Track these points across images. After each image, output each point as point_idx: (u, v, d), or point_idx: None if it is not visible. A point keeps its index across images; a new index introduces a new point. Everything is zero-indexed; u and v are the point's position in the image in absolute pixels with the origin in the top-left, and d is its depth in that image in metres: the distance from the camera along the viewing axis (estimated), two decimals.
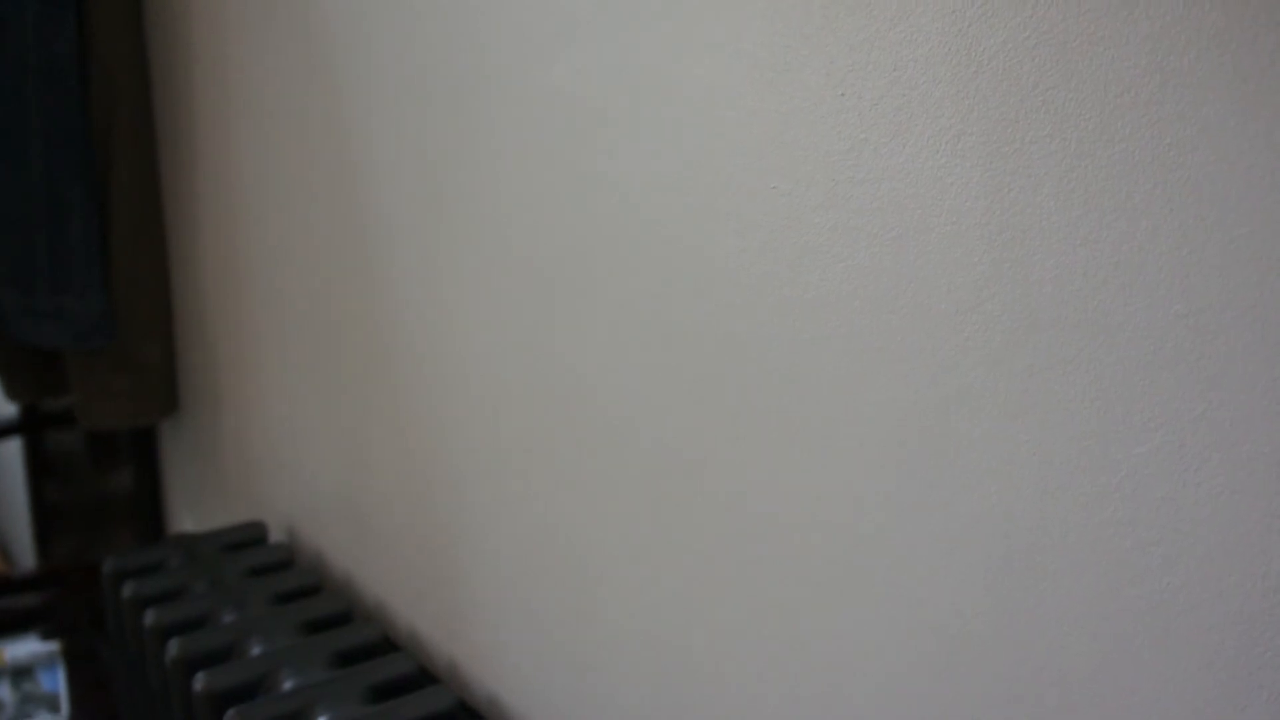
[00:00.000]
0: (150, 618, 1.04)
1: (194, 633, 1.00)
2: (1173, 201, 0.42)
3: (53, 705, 1.26)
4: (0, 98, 1.43)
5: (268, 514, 1.39)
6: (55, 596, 1.52)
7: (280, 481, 1.34)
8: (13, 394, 1.65)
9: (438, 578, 1.01)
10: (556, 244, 0.76)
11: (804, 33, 0.56)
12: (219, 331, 1.44)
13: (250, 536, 1.27)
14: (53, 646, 1.35)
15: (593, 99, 0.71)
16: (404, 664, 0.94)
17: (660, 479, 0.71)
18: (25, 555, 2.46)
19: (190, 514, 1.70)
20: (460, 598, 0.97)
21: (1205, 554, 0.43)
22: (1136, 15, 0.42)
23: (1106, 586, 0.46)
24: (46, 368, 1.64)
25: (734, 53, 0.60)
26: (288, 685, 0.93)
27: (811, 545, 0.60)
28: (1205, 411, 0.42)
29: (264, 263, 1.26)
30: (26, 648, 1.35)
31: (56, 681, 1.30)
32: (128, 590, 1.12)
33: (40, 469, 2.10)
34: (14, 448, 2.39)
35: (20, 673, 1.32)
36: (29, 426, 1.93)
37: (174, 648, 0.98)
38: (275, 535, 1.38)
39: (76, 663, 1.32)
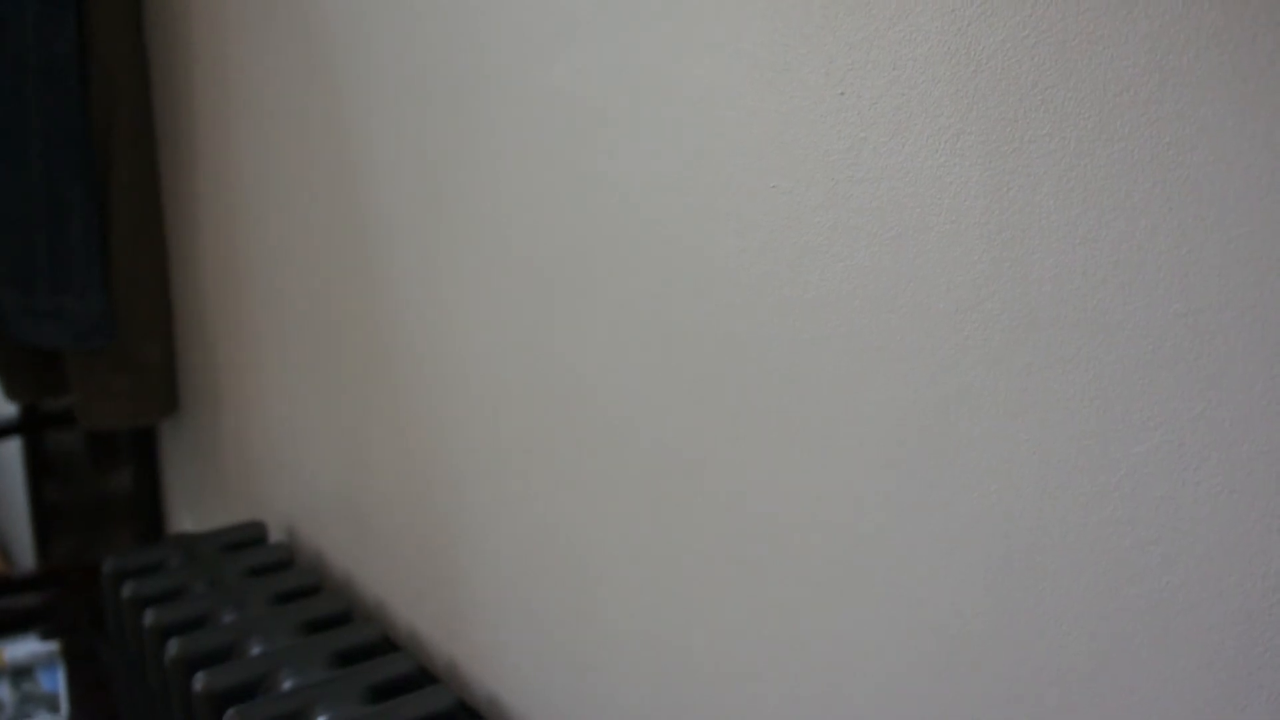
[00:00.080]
0: (150, 618, 1.04)
1: (194, 633, 1.00)
2: (1172, 200, 0.42)
3: (52, 705, 1.26)
4: (0, 98, 1.43)
5: (268, 514, 1.39)
6: (55, 596, 1.52)
7: (280, 481, 1.34)
8: (13, 394, 1.65)
9: (438, 578, 1.01)
10: (556, 244, 0.76)
11: (803, 32, 0.56)
12: (219, 331, 1.44)
13: (250, 536, 1.27)
14: (52, 646, 1.35)
15: (593, 99, 0.71)
16: (404, 664, 0.94)
17: (660, 479, 0.71)
18: (25, 555, 2.46)
19: (190, 514, 1.70)
20: (460, 598, 0.97)
21: (1204, 553, 0.43)
22: (1135, 14, 0.42)
23: (1106, 586, 0.46)
24: (46, 368, 1.64)
25: (734, 53, 0.60)
26: (287, 685, 0.93)
27: (811, 545, 0.60)
28: (1204, 410, 0.42)
29: (264, 263, 1.26)
30: (26, 648, 1.35)
31: (56, 681, 1.30)
32: (127, 590, 1.12)
33: (40, 469, 2.10)
34: (14, 448, 2.39)
35: (20, 673, 1.32)
36: (29, 426, 1.93)
37: (174, 647, 0.98)
38: (275, 535, 1.38)
39: (76, 663, 1.32)
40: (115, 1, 1.44)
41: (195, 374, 1.55)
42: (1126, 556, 0.46)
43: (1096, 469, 0.46)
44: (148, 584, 1.13)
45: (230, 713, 0.85)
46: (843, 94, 0.54)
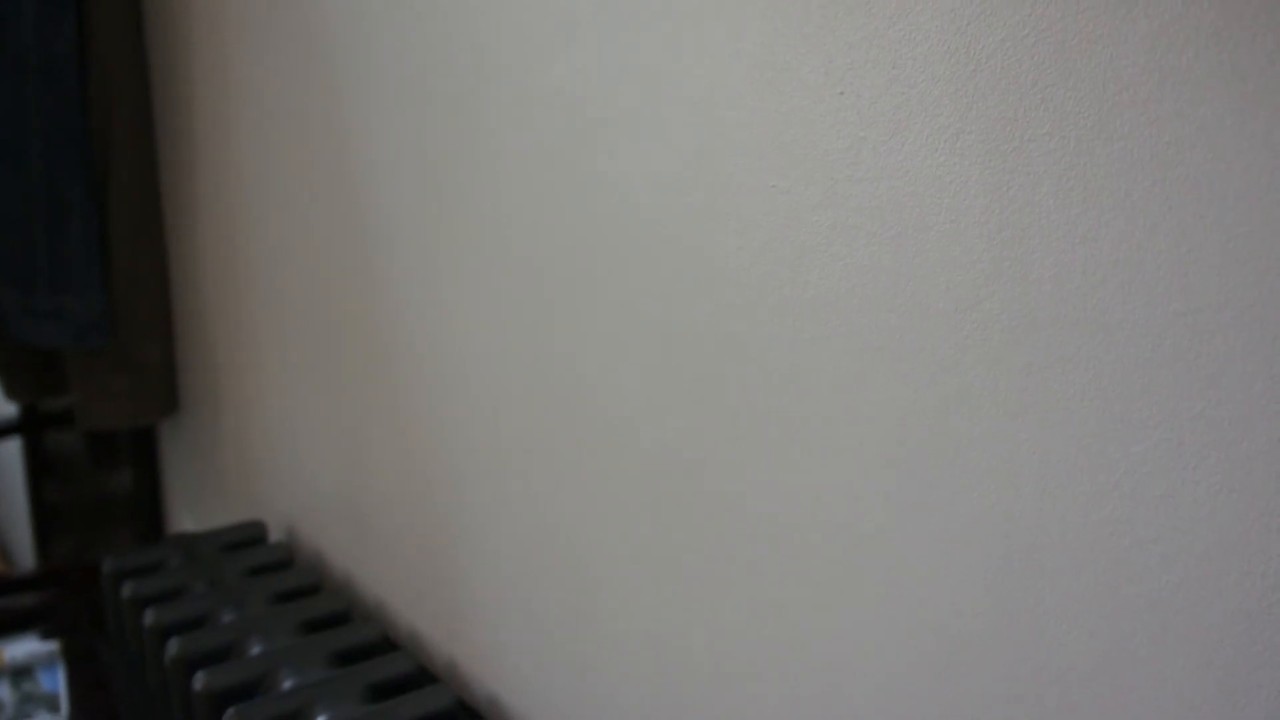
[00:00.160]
0: (150, 617, 1.04)
1: (193, 632, 1.00)
2: (1171, 200, 0.42)
3: (52, 705, 1.26)
4: (0, 98, 1.43)
5: (267, 514, 1.39)
6: (55, 596, 1.52)
7: (280, 481, 1.34)
8: (13, 394, 1.65)
9: (438, 577, 1.01)
10: (556, 244, 0.76)
11: (803, 32, 0.56)
12: (219, 331, 1.44)
13: (250, 536, 1.27)
14: (52, 646, 1.35)
15: (593, 99, 0.71)
16: (403, 663, 0.94)
17: (660, 479, 0.71)
18: (25, 555, 2.46)
19: (190, 514, 1.70)
20: (460, 597, 0.97)
21: (1204, 552, 0.43)
22: (1135, 13, 0.42)
23: (1105, 585, 0.46)
24: (46, 368, 1.64)
25: (733, 52, 0.60)
26: (287, 684, 0.93)
27: (811, 545, 0.60)
28: (1203, 410, 0.42)
29: (264, 263, 1.26)
30: (26, 648, 1.35)
31: (56, 681, 1.30)
32: (127, 590, 1.12)
33: (40, 469, 2.10)
34: (14, 448, 2.39)
35: (20, 673, 1.32)
36: (29, 426, 1.93)
37: (173, 647, 0.98)
38: (275, 535, 1.38)
39: (76, 663, 1.32)
40: (115, 1, 1.44)
41: (195, 374, 1.55)
42: (1126, 556, 0.46)
43: (1096, 468, 0.46)
44: (148, 584, 1.13)
45: (230, 712, 0.85)
46: (842, 93, 0.54)
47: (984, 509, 0.51)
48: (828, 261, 0.56)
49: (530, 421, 0.83)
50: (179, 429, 1.68)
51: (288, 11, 1.10)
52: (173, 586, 1.13)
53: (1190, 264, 0.42)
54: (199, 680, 0.91)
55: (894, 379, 0.54)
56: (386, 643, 1.02)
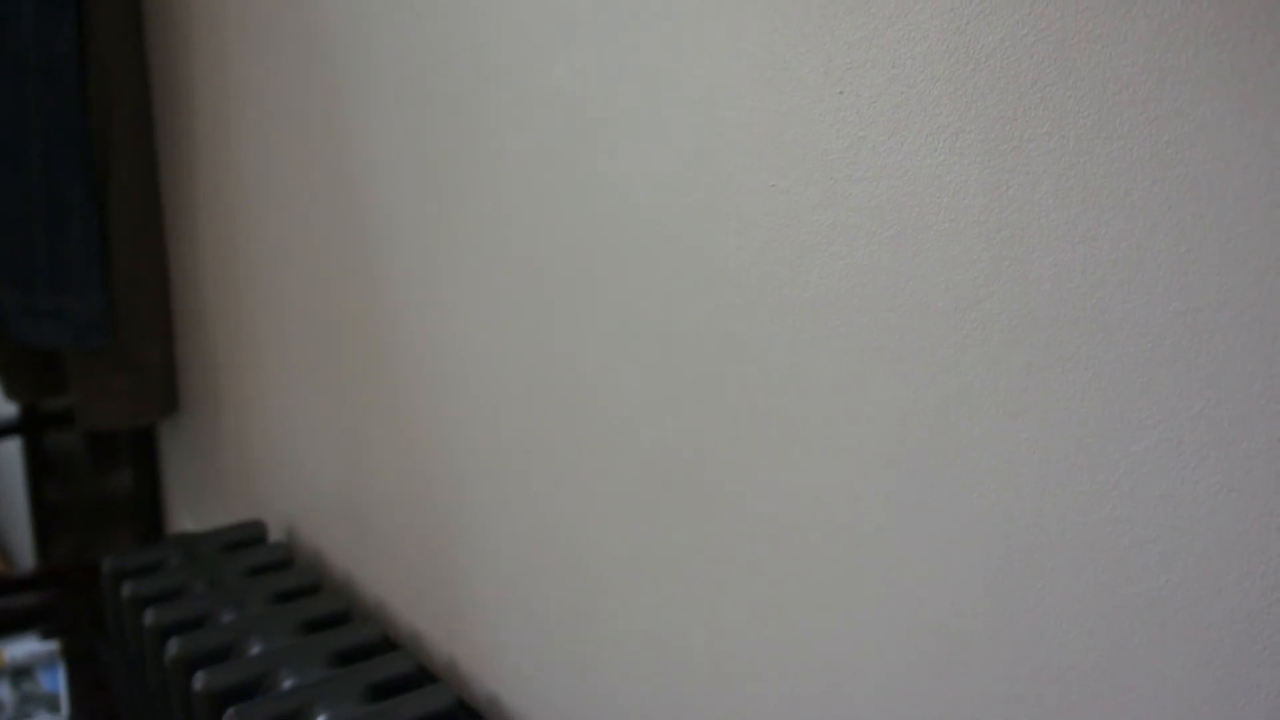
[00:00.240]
0: (150, 617, 1.04)
1: (193, 632, 1.00)
2: (1171, 199, 0.42)
3: (53, 705, 1.26)
4: (0, 98, 1.43)
5: (267, 514, 1.39)
6: (55, 596, 1.52)
7: (280, 481, 1.34)
8: (13, 394, 1.65)
9: (438, 577, 1.01)
10: (556, 244, 0.76)
11: (802, 31, 0.56)
12: (219, 331, 1.44)
13: (250, 536, 1.27)
14: (53, 646, 1.35)
15: (593, 99, 0.71)
16: (403, 663, 0.94)
17: (660, 479, 0.71)
18: (25, 555, 2.46)
19: (190, 514, 1.70)
20: (460, 597, 0.97)
21: (1203, 551, 0.43)
22: (1134, 13, 0.42)
23: (1105, 585, 0.46)
24: (46, 368, 1.64)
25: (733, 52, 0.60)
26: (287, 684, 0.93)
27: (811, 545, 0.60)
28: (1203, 409, 0.42)
29: (264, 263, 1.26)
30: (26, 648, 1.35)
31: (56, 681, 1.30)
32: (127, 590, 1.12)
33: (40, 469, 2.10)
34: (14, 448, 2.39)
35: (20, 672, 1.32)
36: (29, 426, 1.93)
37: (173, 647, 0.98)
38: (275, 535, 1.38)
39: (76, 663, 1.32)
40: (115, 1, 1.44)
41: (195, 374, 1.55)
42: (1125, 555, 0.46)
43: (1096, 468, 0.46)
44: (148, 584, 1.13)
45: (230, 712, 0.85)
46: (841, 93, 0.54)
47: (984, 509, 0.51)
48: (828, 261, 0.56)
49: (530, 421, 0.83)
50: (179, 429, 1.68)
51: (288, 11, 1.10)
52: (173, 586, 1.13)
53: (1190, 263, 0.42)
54: (199, 680, 0.91)
55: (894, 379, 0.54)
56: (386, 642, 1.02)
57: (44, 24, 1.40)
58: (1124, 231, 0.44)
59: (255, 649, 0.99)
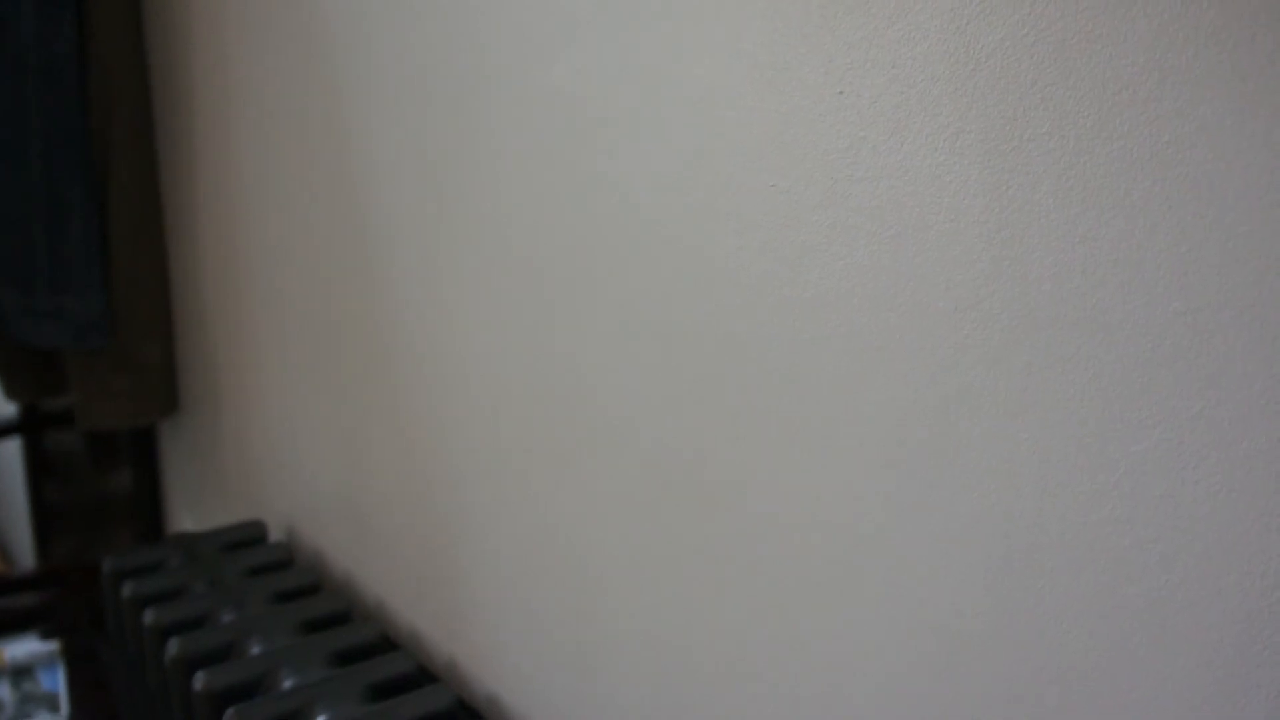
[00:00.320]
0: (150, 617, 1.04)
1: (193, 632, 1.00)
2: (1171, 199, 0.42)
3: (53, 705, 1.26)
4: (0, 98, 1.43)
5: (267, 513, 1.39)
6: (55, 596, 1.52)
7: (280, 481, 1.34)
8: (13, 394, 1.65)
9: (438, 577, 1.01)
10: (556, 244, 0.76)
11: (803, 31, 0.56)
12: (219, 331, 1.44)
13: (250, 536, 1.27)
14: (53, 646, 1.35)
15: (593, 99, 0.71)
16: (403, 663, 0.94)
17: (660, 479, 0.71)
18: (25, 555, 2.46)
19: (190, 514, 1.70)
20: (460, 597, 0.97)
21: (1203, 552, 0.43)
22: (1134, 13, 0.42)
23: (1105, 585, 0.46)
24: (46, 368, 1.64)
25: (733, 52, 0.60)
26: (287, 684, 0.93)
27: (811, 545, 0.60)
28: (1203, 409, 0.42)
29: (264, 263, 1.26)
30: (26, 648, 1.35)
31: (56, 681, 1.30)
32: (127, 590, 1.12)
33: (40, 469, 2.10)
34: (14, 448, 2.39)
35: (20, 672, 1.32)
36: (29, 426, 1.93)
37: (173, 647, 0.98)
38: (275, 535, 1.38)
39: (76, 663, 1.32)
40: (115, 1, 1.44)
41: (195, 374, 1.55)
42: (1126, 555, 0.46)
43: (1096, 468, 0.46)
44: (148, 584, 1.13)
45: (230, 712, 0.85)
46: (842, 93, 0.54)
47: (984, 509, 0.51)
48: (828, 261, 0.56)
49: (530, 421, 0.83)
50: (179, 429, 1.68)
51: (288, 11, 1.10)
52: (173, 586, 1.13)
53: (1190, 263, 0.42)
54: (199, 680, 0.91)
55: (894, 379, 0.54)
56: (386, 642, 1.02)
57: (44, 24, 1.40)
58: (1124, 231, 0.44)
59: (255, 649, 0.99)
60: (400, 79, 0.92)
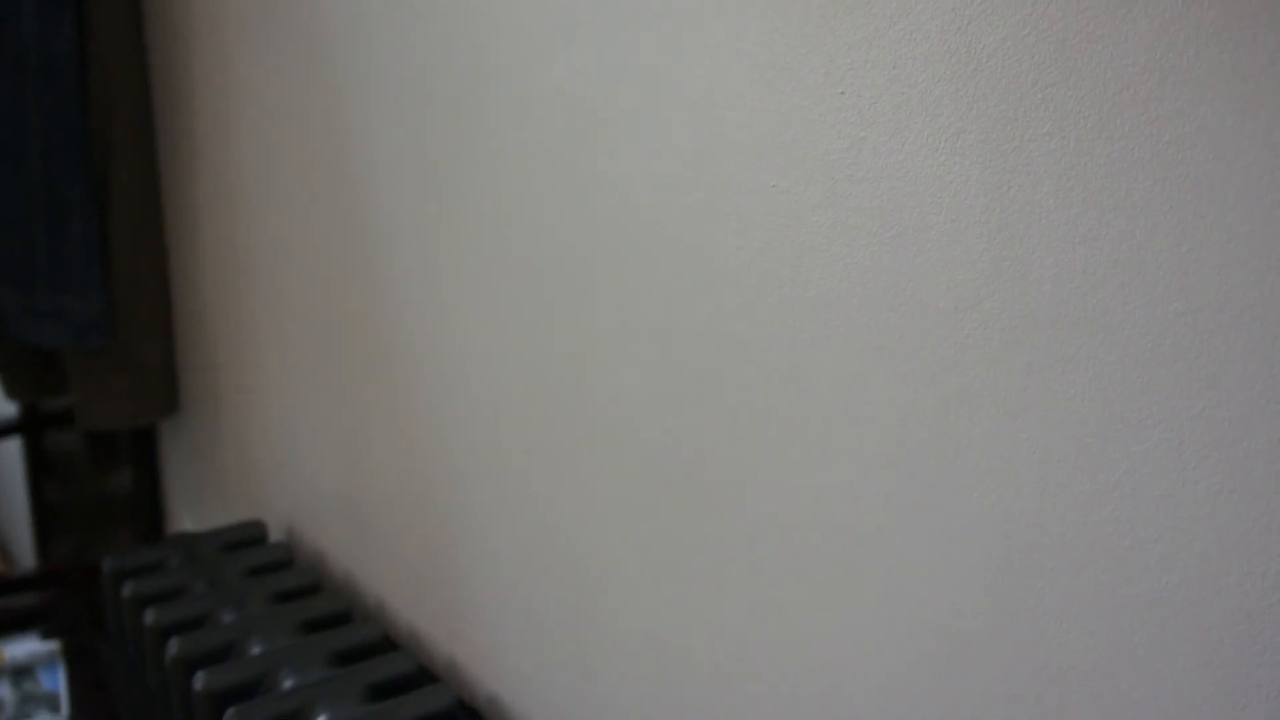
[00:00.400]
0: (150, 617, 1.04)
1: (193, 632, 1.00)
2: (1172, 199, 0.42)
3: (53, 705, 1.26)
4: (0, 98, 1.43)
5: (268, 514, 1.39)
6: (55, 596, 1.52)
7: (280, 481, 1.34)
8: (13, 394, 1.65)
9: (438, 577, 1.00)
10: (556, 244, 0.76)
11: (803, 31, 0.56)
12: (219, 331, 1.44)
13: (250, 536, 1.27)
14: (53, 646, 1.35)
15: (593, 99, 0.71)
16: (403, 663, 0.94)
17: (660, 479, 0.71)
18: (25, 555, 2.46)
19: (190, 514, 1.70)
20: (460, 597, 0.97)
21: (1203, 552, 0.43)
22: (1135, 13, 0.42)
23: (1105, 585, 0.46)
24: (46, 367, 1.64)
25: (733, 52, 0.60)
26: (287, 684, 0.93)
27: (811, 545, 0.60)
28: (1203, 410, 0.42)
29: (264, 263, 1.26)
30: (26, 647, 1.35)
31: (56, 681, 1.30)
32: (128, 590, 1.12)
33: (40, 469, 2.10)
34: (14, 448, 2.39)
35: (20, 672, 1.32)
36: (29, 426, 1.93)
37: (174, 647, 0.98)
38: (275, 535, 1.38)
39: (76, 662, 1.32)
40: (115, 1, 1.44)
41: (195, 374, 1.55)
42: (1126, 556, 0.46)
43: (1096, 468, 0.46)
44: (148, 584, 1.13)
45: (230, 712, 0.85)
46: (842, 93, 0.54)
47: (984, 509, 0.51)
48: (828, 261, 0.56)
49: (530, 421, 0.83)
50: (179, 429, 1.68)
51: (288, 11, 1.10)
52: (173, 586, 1.13)
53: (1190, 264, 0.42)
54: (199, 680, 0.91)
55: (894, 379, 0.54)
56: (386, 642, 1.02)
57: (44, 24, 1.40)
58: (1125, 232, 0.44)
59: (255, 649, 0.99)
60: (400, 79, 0.92)
